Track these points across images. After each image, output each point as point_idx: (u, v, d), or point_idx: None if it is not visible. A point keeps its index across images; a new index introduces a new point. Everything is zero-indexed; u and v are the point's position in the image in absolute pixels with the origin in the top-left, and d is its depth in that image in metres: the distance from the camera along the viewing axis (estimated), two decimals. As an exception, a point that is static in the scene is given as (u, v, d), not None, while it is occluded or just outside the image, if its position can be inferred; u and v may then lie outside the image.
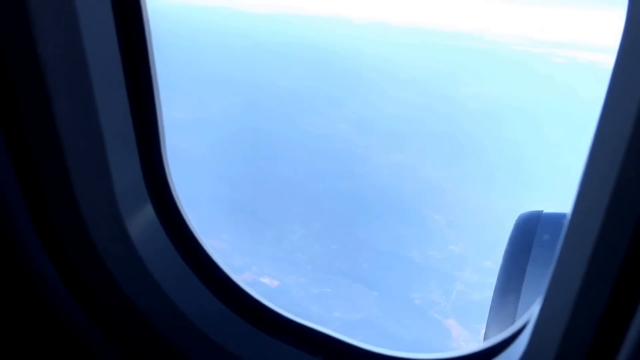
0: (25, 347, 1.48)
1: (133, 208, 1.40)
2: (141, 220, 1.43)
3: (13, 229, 1.32)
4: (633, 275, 0.99)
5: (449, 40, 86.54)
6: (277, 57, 68.89)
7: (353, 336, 1.48)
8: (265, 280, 25.37)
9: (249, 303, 1.56)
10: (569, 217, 1.06)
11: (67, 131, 1.22)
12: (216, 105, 50.32)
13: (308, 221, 31.14)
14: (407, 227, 30.52)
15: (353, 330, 21.84)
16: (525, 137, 46.20)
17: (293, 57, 68.14)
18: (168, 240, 1.51)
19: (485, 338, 2.55)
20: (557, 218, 2.77)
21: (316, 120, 46.99)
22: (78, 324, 1.43)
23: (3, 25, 1.13)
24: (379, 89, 58.90)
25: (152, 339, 1.45)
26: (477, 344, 1.45)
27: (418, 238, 29.54)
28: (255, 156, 39.47)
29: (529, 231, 2.70)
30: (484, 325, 2.56)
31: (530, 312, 1.27)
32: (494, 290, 2.39)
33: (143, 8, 1.30)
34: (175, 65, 60.09)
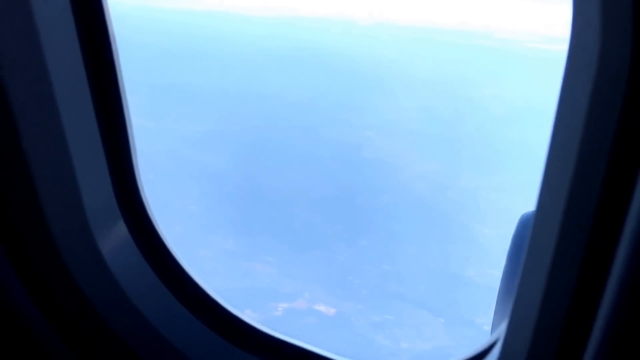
0: None
1: (104, 224, 1.37)
2: (113, 237, 1.40)
3: None
4: (592, 282, 0.99)
5: (458, 39, 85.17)
6: (286, 63, 67.50)
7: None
8: (321, 307, 24.02)
9: (225, 317, 1.52)
10: (530, 228, 1.08)
11: (32, 149, 1.20)
12: (233, 117, 48.97)
13: (352, 239, 29.79)
14: (457, 243, 29.25)
15: (426, 364, 20.53)
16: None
17: (303, 63, 66.79)
18: (141, 256, 1.47)
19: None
20: None
21: (340, 128, 45.65)
22: (50, 344, 1.38)
23: None
24: (397, 92, 57.58)
25: (126, 357, 1.40)
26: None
27: (471, 255, 28.28)
28: (283, 170, 38.11)
29: None
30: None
31: (501, 328, 1.24)
32: (498, 292, 2.30)
33: (107, 19, 1.23)
34: (183, 77, 58.84)
